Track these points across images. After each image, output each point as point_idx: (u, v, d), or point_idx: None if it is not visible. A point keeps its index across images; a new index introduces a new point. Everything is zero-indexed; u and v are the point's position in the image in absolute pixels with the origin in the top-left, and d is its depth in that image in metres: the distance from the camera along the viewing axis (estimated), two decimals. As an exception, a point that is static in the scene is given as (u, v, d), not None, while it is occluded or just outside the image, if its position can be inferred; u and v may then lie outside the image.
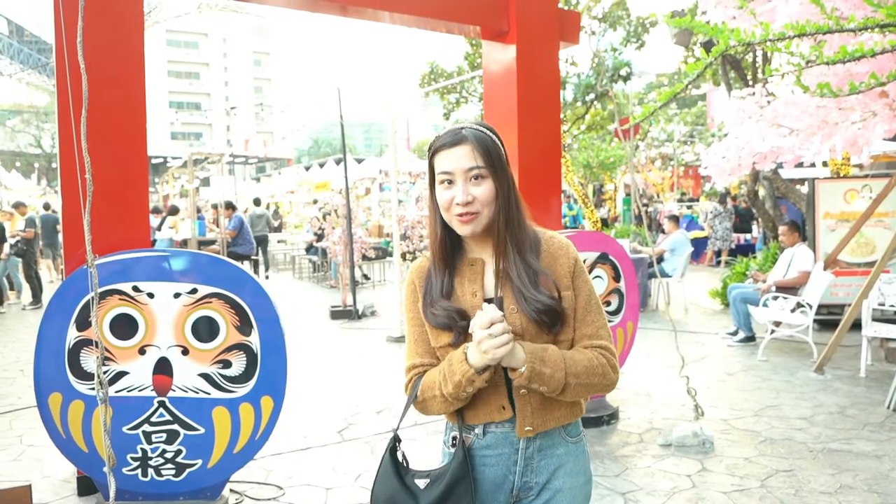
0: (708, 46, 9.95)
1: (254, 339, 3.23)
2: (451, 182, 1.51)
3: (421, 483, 1.50)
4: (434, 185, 1.56)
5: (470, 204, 1.49)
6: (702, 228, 16.27)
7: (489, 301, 1.52)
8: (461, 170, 1.49)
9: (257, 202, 19.58)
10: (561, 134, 5.68)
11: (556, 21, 5.18)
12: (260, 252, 14.64)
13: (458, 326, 1.50)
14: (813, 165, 13.44)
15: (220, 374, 3.22)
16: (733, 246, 15.24)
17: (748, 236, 16.33)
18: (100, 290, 3.08)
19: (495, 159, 1.51)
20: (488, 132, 1.53)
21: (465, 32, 5.47)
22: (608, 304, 4.78)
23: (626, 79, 15.84)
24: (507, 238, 1.52)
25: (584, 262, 4.63)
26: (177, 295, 3.19)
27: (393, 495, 1.50)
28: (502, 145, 1.55)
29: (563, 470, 1.55)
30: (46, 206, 15.35)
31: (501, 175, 1.52)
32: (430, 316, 1.54)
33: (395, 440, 1.56)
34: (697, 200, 22.86)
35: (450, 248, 1.58)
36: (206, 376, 3.21)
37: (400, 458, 1.55)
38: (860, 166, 10.94)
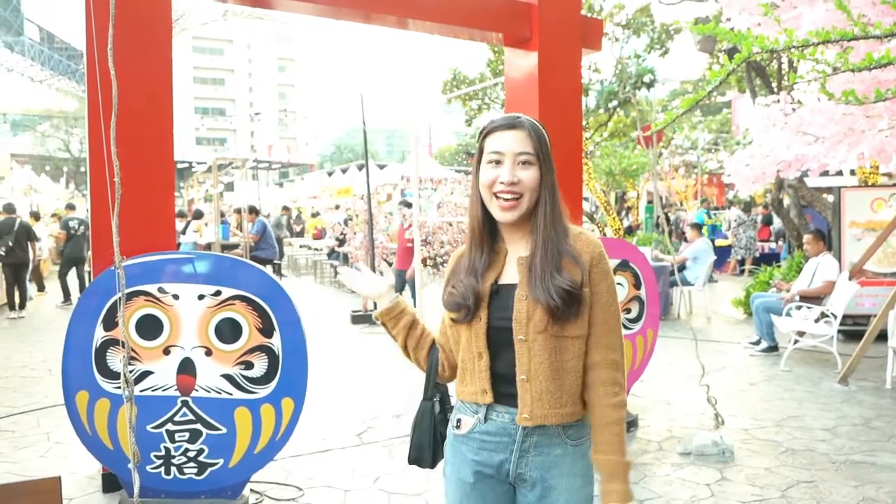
0: (732, 53, 9.88)
1: (275, 342, 3.27)
2: (499, 162, 1.57)
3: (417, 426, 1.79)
4: (479, 167, 1.62)
5: (514, 185, 1.54)
6: (725, 237, 16.11)
7: (500, 287, 1.60)
8: (512, 152, 1.56)
9: (286, 209, 19.92)
10: (583, 141, 5.68)
11: (579, 28, 5.19)
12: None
13: (465, 305, 1.58)
14: (840, 174, 13.27)
15: (242, 375, 3.26)
16: (758, 254, 15.07)
17: (773, 245, 16.15)
18: (126, 290, 3.14)
19: (545, 150, 1.58)
20: (541, 125, 1.62)
21: (488, 39, 5.50)
22: (628, 311, 4.77)
23: (649, 86, 15.78)
24: (551, 228, 1.57)
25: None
26: (201, 297, 3.25)
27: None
28: (549, 142, 1.62)
29: (559, 470, 1.57)
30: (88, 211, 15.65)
31: (548, 167, 1.59)
32: (447, 294, 1.64)
33: (433, 402, 1.77)
34: (720, 209, 22.63)
35: (487, 230, 1.64)
36: (228, 377, 3.26)
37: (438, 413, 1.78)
38: (889, 175, 10.77)
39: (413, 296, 9.01)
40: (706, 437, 4.22)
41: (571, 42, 5.15)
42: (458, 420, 1.66)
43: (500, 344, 1.57)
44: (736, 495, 3.61)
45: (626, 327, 4.76)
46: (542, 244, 1.55)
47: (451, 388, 1.78)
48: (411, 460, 1.77)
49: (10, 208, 11.02)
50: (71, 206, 13.11)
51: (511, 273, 1.59)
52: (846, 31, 3.50)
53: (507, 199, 1.55)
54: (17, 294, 10.26)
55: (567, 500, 1.57)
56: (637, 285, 4.80)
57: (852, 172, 12.04)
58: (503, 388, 1.57)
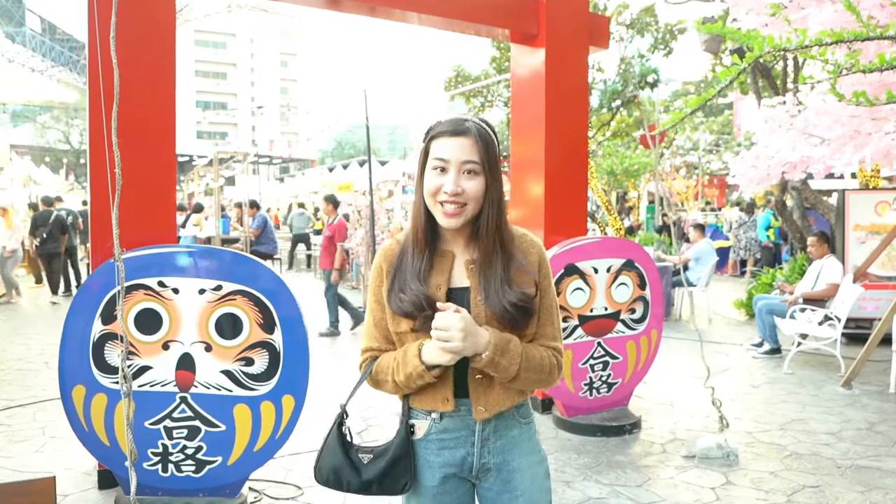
0: (739, 53, 9.81)
1: (277, 338, 3.22)
2: (443, 170, 1.53)
3: (365, 458, 1.59)
4: (423, 170, 1.58)
5: (458, 196, 1.50)
6: (726, 238, 16.07)
7: (451, 291, 1.56)
8: (457, 161, 1.52)
9: (301, 204, 20.08)
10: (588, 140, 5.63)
11: (586, 25, 5.14)
12: (302, 247, 17.01)
13: (422, 315, 1.52)
14: (841, 177, 13.19)
15: (242, 371, 3.21)
16: (758, 256, 15.02)
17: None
18: (126, 284, 3.09)
19: (492, 158, 1.55)
20: (489, 130, 1.56)
21: (494, 35, 5.45)
22: (632, 311, 4.73)
23: (653, 86, 15.73)
24: (495, 238, 1.56)
25: (610, 268, 4.60)
26: (201, 291, 3.20)
27: (337, 467, 1.58)
28: (498, 146, 1.60)
29: (519, 450, 1.61)
30: (85, 203, 15.71)
31: (495, 175, 1.55)
32: (396, 301, 1.56)
33: (343, 415, 1.63)
34: (720, 209, 22.59)
35: (429, 233, 1.60)
36: (228, 373, 3.21)
37: (345, 432, 1.62)
38: (890, 178, 10.73)
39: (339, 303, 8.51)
40: (710, 440, 4.17)
41: (579, 39, 5.10)
42: (412, 426, 1.62)
43: None
44: (741, 500, 3.57)
45: (630, 328, 4.72)
46: (488, 250, 1.56)
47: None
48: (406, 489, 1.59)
49: (47, 201, 11.67)
50: (58, 199, 13.19)
51: (460, 276, 1.59)
52: (860, 31, 3.44)
53: (452, 207, 1.52)
54: (46, 280, 11.29)
55: (531, 477, 1.61)
56: (642, 286, 4.75)
57: (853, 176, 11.98)
58: (460, 386, 1.57)
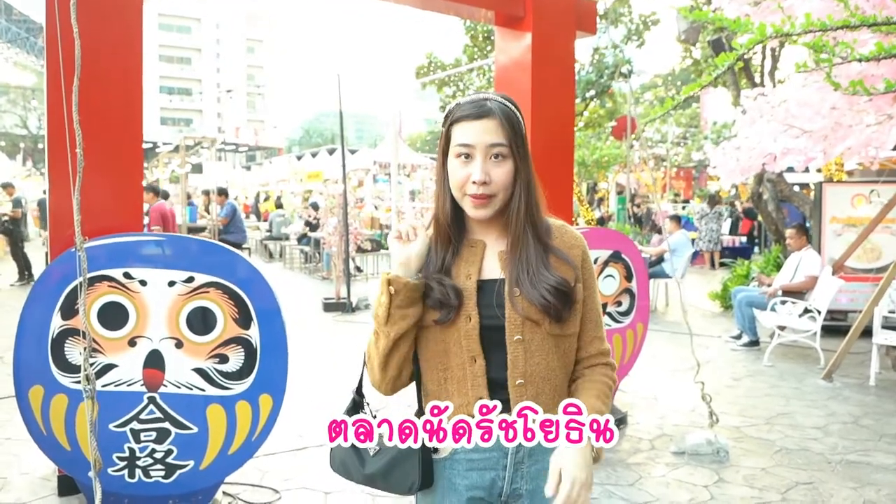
0: (715, 44, 9.76)
1: (253, 333, 3.01)
2: (468, 157, 1.38)
3: (372, 450, 1.46)
4: (446, 157, 1.42)
5: (486, 185, 1.37)
6: (697, 229, 16.15)
7: (481, 283, 1.43)
8: (483, 145, 1.37)
9: (279, 205, 19.46)
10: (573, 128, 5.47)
11: (573, 9, 4.97)
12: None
13: (449, 305, 1.39)
14: (807, 170, 13.27)
15: (215, 369, 3.00)
16: (720, 248, 15.12)
17: (743, 238, 16.26)
18: (88, 275, 2.85)
19: (520, 138, 1.40)
20: (514, 107, 1.41)
21: (477, 17, 5.26)
22: (619, 304, 4.60)
23: (626, 76, 15.71)
24: (525, 224, 1.41)
25: (597, 260, 4.46)
26: (171, 283, 2.97)
27: (344, 458, 1.49)
28: (523, 122, 1.43)
29: None
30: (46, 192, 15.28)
31: (523, 156, 1.41)
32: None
33: (355, 400, 1.51)
34: (688, 202, 22.76)
35: (455, 225, 1.45)
36: (200, 371, 2.99)
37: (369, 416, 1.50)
38: (850, 173, 10.80)
39: None
40: (700, 436, 4.08)
41: (567, 23, 4.93)
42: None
43: (490, 346, 1.41)
44: (735, 498, 3.47)
45: (616, 321, 4.60)
46: (520, 238, 1.42)
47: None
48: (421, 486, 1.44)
49: (8, 185, 12.13)
50: (10, 185, 12.96)
51: (492, 268, 1.45)
52: (867, 16, 3.34)
53: (480, 198, 1.39)
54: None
55: None
56: (629, 277, 4.63)
57: (818, 170, 12.07)
58: (494, 394, 1.40)
